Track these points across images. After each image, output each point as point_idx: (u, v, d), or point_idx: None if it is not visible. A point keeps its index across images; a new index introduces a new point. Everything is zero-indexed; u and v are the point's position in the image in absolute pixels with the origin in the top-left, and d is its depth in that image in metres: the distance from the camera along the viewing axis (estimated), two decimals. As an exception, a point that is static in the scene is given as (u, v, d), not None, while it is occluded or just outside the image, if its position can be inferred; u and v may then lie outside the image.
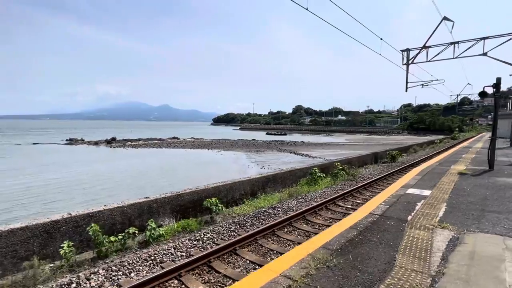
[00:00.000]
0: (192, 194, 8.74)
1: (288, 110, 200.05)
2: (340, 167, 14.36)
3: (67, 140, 49.11)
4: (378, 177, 13.83)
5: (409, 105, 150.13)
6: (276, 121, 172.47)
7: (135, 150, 37.79)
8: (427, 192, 7.42)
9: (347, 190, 10.99)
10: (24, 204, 12.40)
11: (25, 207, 12.07)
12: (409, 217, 5.39)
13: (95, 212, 6.62)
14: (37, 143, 44.01)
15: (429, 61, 14.49)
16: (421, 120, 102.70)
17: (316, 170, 13.18)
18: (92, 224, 6.20)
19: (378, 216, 5.49)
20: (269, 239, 6.88)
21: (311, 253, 3.90)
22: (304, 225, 7.86)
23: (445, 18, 12.05)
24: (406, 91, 15.47)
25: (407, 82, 15.36)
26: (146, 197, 7.71)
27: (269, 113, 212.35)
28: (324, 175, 14.10)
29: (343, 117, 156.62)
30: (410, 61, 14.88)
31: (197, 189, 9.03)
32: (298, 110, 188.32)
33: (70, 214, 6.35)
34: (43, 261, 5.46)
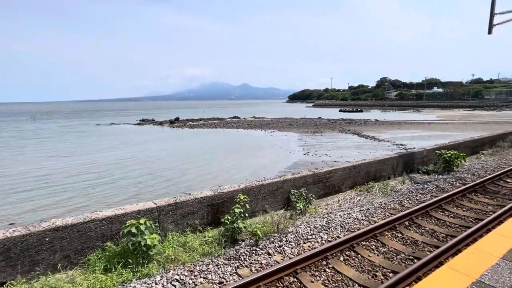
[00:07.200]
0: None
1: (372, 84, 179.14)
2: (239, 210, 5.99)
3: (140, 120, 53.03)
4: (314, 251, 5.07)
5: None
6: (355, 96, 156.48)
7: (189, 130, 37.73)
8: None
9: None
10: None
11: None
12: None
13: None
14: (113, 124, 48.61)
15: None
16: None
17: (138, 223, 4.82)
18: None
19: None
20: None
21: None
22: None
23: None
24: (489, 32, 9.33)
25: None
26: None
27: (349, 87, 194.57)
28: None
29: (440, 90, 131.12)
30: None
31: None
32: (382, 83, 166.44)
33: None
34: None
